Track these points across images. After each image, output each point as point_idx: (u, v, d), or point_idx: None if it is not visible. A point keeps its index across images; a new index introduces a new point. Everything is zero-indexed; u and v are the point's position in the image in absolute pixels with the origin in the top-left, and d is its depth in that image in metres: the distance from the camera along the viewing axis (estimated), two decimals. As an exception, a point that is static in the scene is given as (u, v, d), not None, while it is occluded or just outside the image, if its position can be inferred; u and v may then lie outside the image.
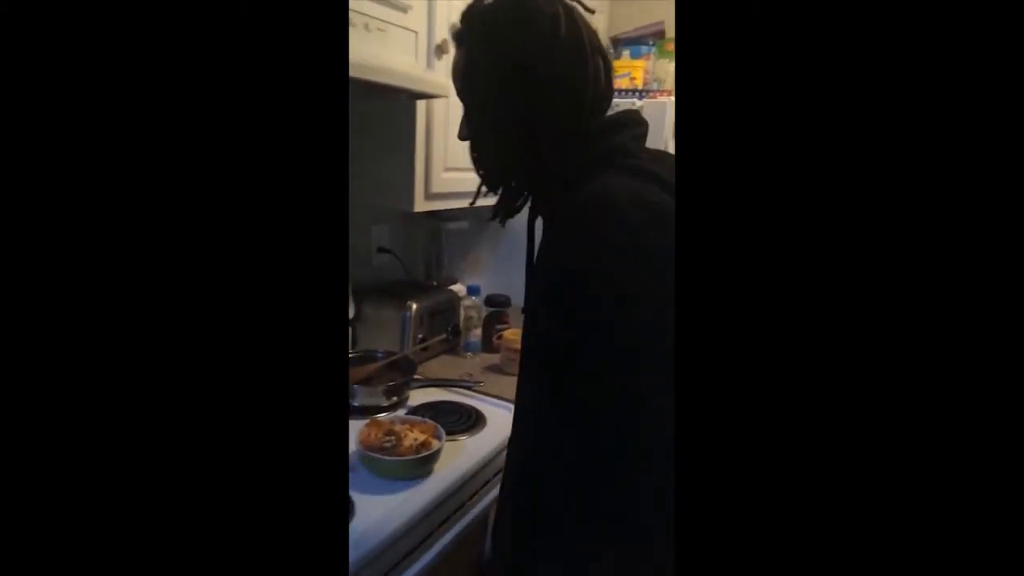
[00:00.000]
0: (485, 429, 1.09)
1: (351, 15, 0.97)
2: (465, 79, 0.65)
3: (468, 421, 1.11)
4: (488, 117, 0.64)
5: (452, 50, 1.19)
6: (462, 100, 0.67)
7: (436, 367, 1.39)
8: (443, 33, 1.17)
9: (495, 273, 1.64)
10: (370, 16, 1.01)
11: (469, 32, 0.63)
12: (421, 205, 1.23)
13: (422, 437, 0.93)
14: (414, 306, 1.34)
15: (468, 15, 0.64)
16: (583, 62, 0.59)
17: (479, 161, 0.69)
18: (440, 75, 1.18)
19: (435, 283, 1.58)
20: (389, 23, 1.05)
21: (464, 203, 1.36)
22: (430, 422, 0.98)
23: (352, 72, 0.93)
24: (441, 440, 0.94)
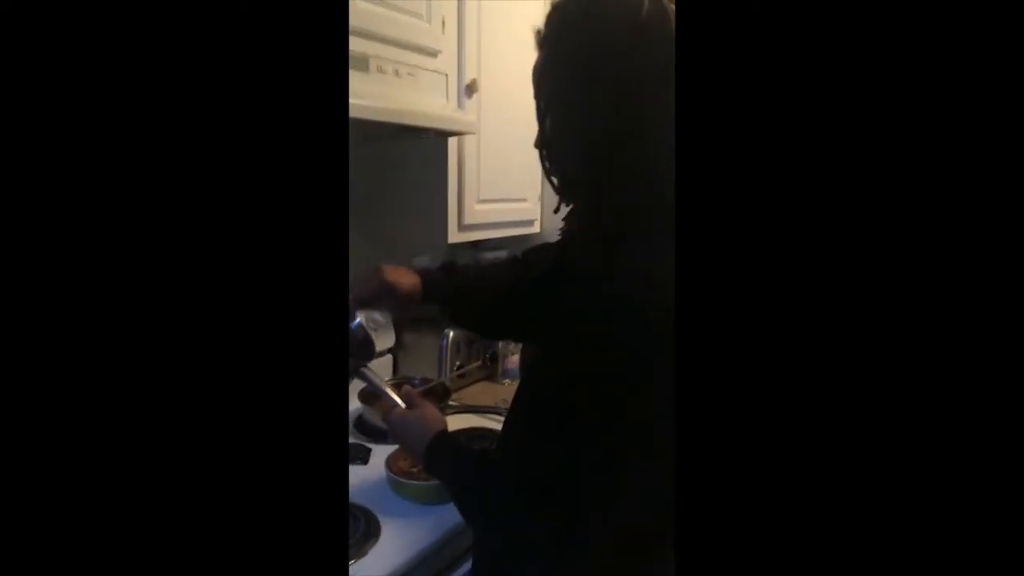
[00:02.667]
0: (516, 455, 1.11)
1: (383, 62, 1.04)
2: (542, 77, 0.61)
3: (499, 447, 1.13)
4: (567, 114, 0.60)
5: (480, 89, 1.25)
6: (539, 104, 0.62)
7: (474, 393, 1.42)
8: (472, 73, 1.23)
9: (534, 300, 1.66)
10: (400, 62, 1.07)
11: (549, 30, 0.60)
12: (455, 236, 1.28)
13: (450, 462, 0.96)
14: (451, 334, 1.38)
15: (549, 15, 0.61)
16: (666, 52, 0.52)
17: (554, 168, 0.63)
18: (471, 113, 1.24)
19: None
20: (420, 67, 1.12)
21: (498, 233, 1.41)
22: (459, 448, 1.01)
23: (383, 116, 0.99)
24: (469, 466, 0.96)
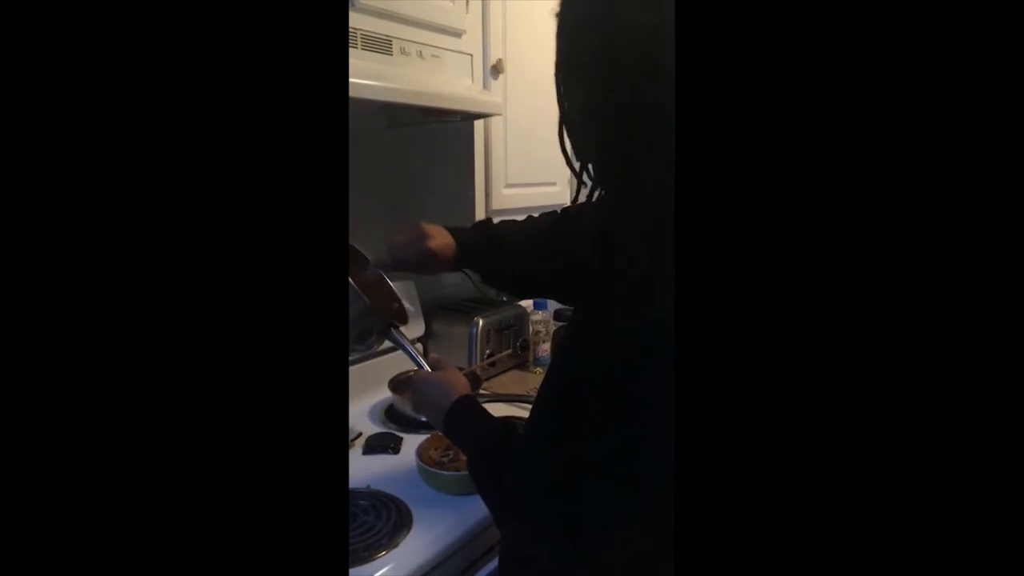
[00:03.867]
0: (548, 444, 1.08)
1: (405, 44, 1.01)
2: (563, 54, 0.57)
3: (532, 436, 1.11)
4: (590, 88, 0.55)
5: (506, 69, 1.22)
6: (560, 85, 0.58)
7: (505, 382, 1.40)
8: (498, 54, 1.20)
9: (564, 287, 1.63)
10: (425, 44, 1.05)
11: (563, 3, 0.56)
12: (482, 222, 1.25)
13: (481, 452, 0.94)
14: (480, 322, 1.36)
15: None
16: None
17: (580, 151, 0.59)
18: (497, 95, 1.20)
19: (504, 298, 1.60)
20: (444, 48, 1.09)
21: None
22: (490, 437, 0.99)
23: (408, 99, 0.97)
24: (500, 455, 0.94)
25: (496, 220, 0.90)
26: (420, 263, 0.82)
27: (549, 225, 0.86)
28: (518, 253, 0.85)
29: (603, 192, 0.58)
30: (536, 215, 0.90)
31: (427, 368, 0.75)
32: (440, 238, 0.82)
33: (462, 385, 0.70)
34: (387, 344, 0.80)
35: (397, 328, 0.80)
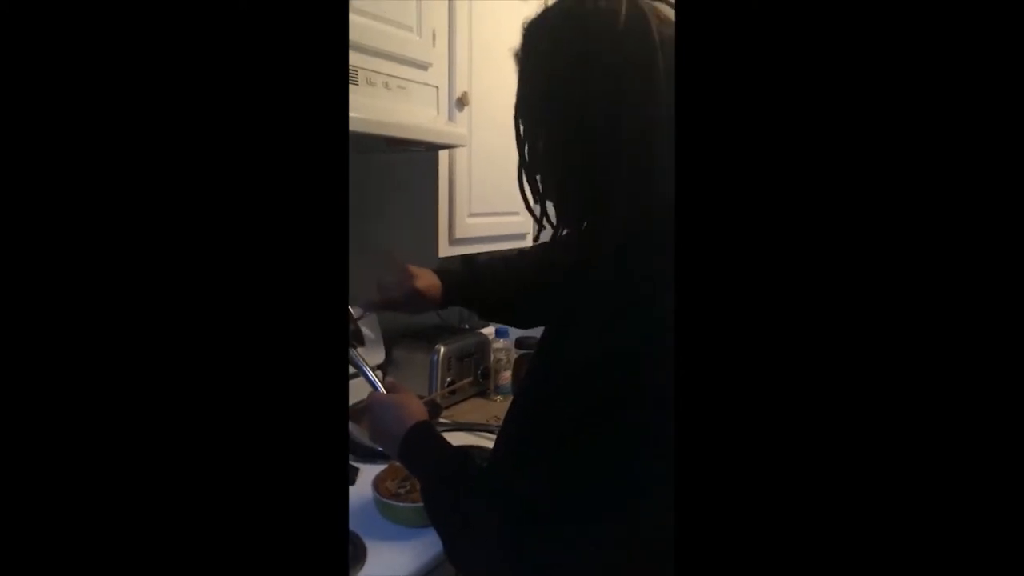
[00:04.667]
0: (507, 474, 1.08)
1: (372, 75, 1.03)
2: (527, 98, 0.58)
3: (491, 466, 1.10)
4: (559, 130, 0.56)
5: (471, 101, 1.24)
6: (524, 128, 0.59)
7: (466, 410, 1.40)
8: (464, 86, 1.22)
9: (526, 315, 1.65)
10: (391, 75, 1.06)
11: (527, 47, 0.57)
12: (446, 250, 1.26)
13: (439, 483, 0.93)
14: (442, 349, 1.36)
15: (525, 31, 0.58)
16: (650, 54, 0.50)
17: (550, 192, 0.59)
18: (461, 126, 1.22)
19: (467, 326, 1.60)
20: (409, 80, 1.11)
21: (490, 247, 1.39)
22: (449, 467, 0.98)
23: (373, 129, 0.98)
24: (458, 486, 0.93)
25: (482, 255, 0.93)
26: (407, 303, 0.84)
27: (537, 256, 0.89)
28: (504, 286, 0.87)
29: (566, 232, 0.59)
30: (528, 248, 0.93)
31: (383, 391, 0.74)
32: (426, 279, 0.85)
33: (418, 411, 0.69)
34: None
35: (355, 348, 0.79)
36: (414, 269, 0.85)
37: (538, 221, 0.59)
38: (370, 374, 0.78)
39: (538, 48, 0.56)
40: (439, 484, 0.61)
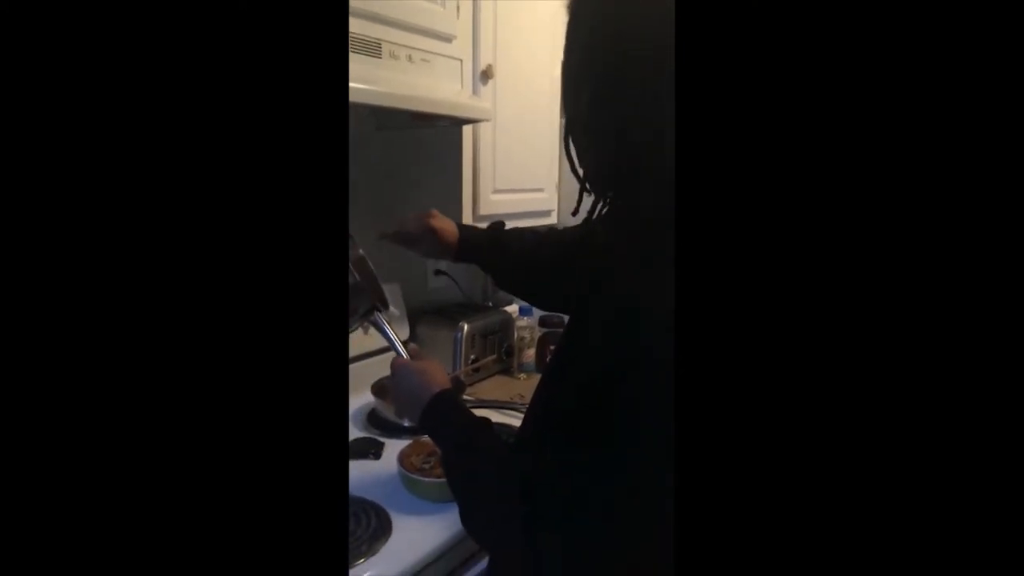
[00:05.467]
0: (531, 452, 1.08)
1: (396, 48, 1.01)
2: (568, 50, 0.55)
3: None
4: (604, 83, 0.53)
5: (495, 75, 1.22)
6: (569, 81, 0.56)
7: (489, 388, 1.40)
8: (488, 59, 1.20)
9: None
10: (414, 48, 1.04)
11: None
12: (470, 227, 1.25)
13: (463, 459, 0.93)
14: (466, 327, 1.36)
15: None
16: None
17: (589, 152, 0.56)
18: (486, 100, 1.20)
19: (491, 304, 1.60)
20: (434, 53, 1.09)
21: (514, 224, 1.38)
22: (473, 444, 0.98)
23: (398, 103, 0.97)
24: (482, 462, 0.93)
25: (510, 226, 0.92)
26: (422, 240, 0.86)
27: (566, 237, 0.87)
28: (528, 259, 0.86)
29: (602, 205, 0.56)
30: (559, 228, 0.92)
31: (406, 356, 0.73)
32: (446, 224, 0.87)
33: (442, 379, 0.68)
34: (370, 348, 0.78)
35: (380, 311, 0.79)
36: (437, 212, 0.87)
37: (581, 184, 0.56)
38: (394, 338, 0.76)
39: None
40: (459, 451, 0.61)
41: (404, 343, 0.77)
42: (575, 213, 0.59)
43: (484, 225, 1.27)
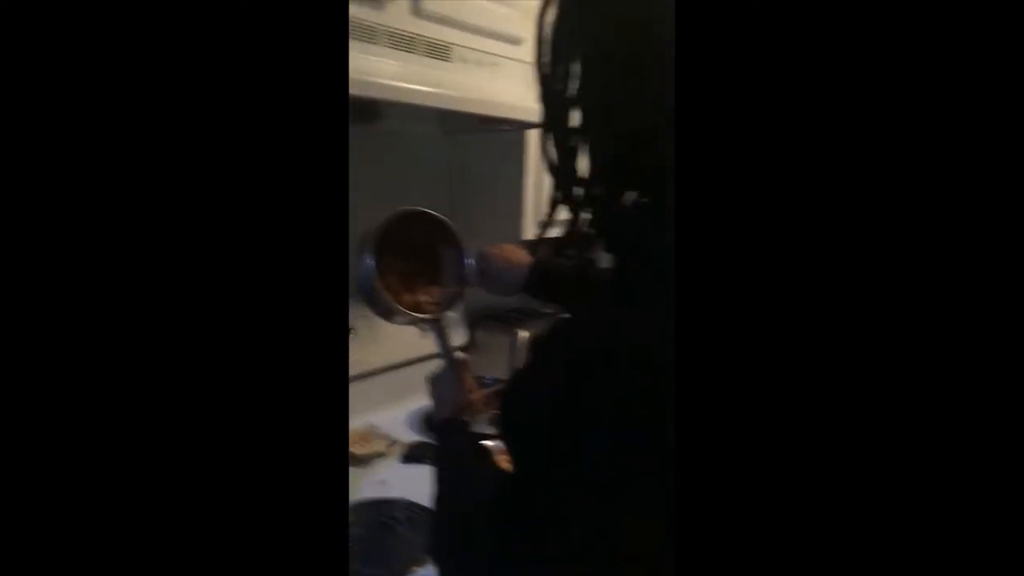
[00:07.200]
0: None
1: (465, 51, 1.01)
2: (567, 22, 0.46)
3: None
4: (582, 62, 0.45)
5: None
6: (561, 63, 0.47)
7: (545, 396, 1.38)
8: (556, 63, 1.18)
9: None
10: (482, 51, 1.04)
11: None
12: (531, 234, 1.23)
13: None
14: (521, 333, 1.34)
15: None
16: None
17: (602, 140, 0.46)
18: (552, 104, 1.19)
19: (548, 310, 1.58)
20: (502, 56, 1.08)
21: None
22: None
23: (466, 107, 0.96)
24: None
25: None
26: (501, 280, 0.84)
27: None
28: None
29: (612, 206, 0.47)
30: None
31: (452, 356, 0.76)
32: (519, 256, 0.84)
33: (466, 400, 0.71)
34: (428, 352, 0.77)
35: (438, 321, 0.80)
36: (508, 246, 0.85)
37: (558, 182, 0.48)
38: (446, 344, 0.78)
39: None
40: (441, 484, 0.58)
41: (463, 349, 0.78)
42: (546, 226, 0.51)
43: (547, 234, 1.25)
